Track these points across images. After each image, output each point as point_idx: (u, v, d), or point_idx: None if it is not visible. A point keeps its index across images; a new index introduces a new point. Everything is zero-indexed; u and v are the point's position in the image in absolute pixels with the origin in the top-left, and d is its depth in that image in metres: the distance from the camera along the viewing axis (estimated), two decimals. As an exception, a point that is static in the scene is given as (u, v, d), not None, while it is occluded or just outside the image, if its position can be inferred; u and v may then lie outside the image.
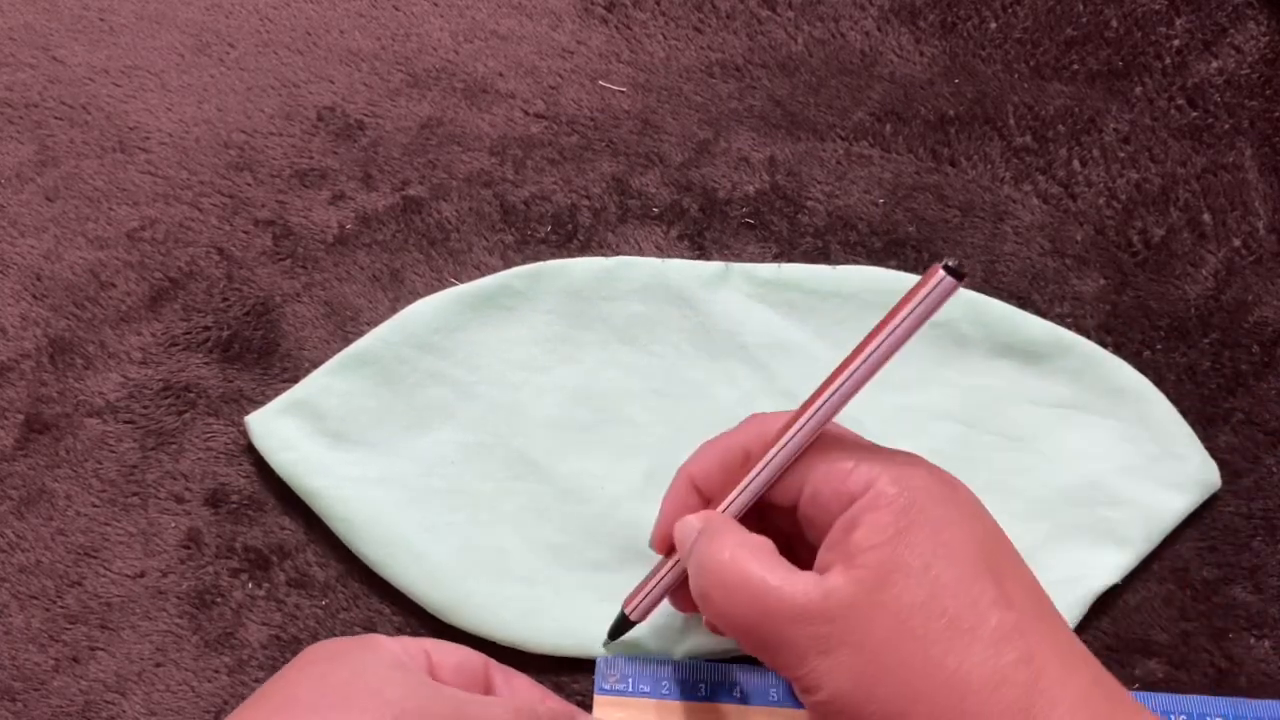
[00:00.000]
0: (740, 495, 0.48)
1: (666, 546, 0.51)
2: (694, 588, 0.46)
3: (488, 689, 0.50)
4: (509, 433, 0.59)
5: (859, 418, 0.59)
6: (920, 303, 0.43)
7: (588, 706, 0.56)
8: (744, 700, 0.55)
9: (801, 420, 0.46)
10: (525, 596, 0.57)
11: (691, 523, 0.48)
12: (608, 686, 0.55)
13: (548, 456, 0.59)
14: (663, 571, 0.52)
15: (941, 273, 0.42)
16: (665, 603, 0.54)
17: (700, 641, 0.56)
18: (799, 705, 0.54)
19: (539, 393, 0.59)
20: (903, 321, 0.43)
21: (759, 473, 0.47)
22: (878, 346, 0.44)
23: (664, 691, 0.55)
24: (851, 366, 0.45)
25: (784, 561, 0.44)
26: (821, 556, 0.44)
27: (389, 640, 0.47)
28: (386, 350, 0.59)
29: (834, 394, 0.45)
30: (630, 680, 0.55)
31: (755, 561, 0.44)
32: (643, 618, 0.53)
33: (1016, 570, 0.43)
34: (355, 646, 0.46)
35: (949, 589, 0.40)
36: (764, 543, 0.45)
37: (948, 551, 0.41)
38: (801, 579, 0.43)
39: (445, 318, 0.60)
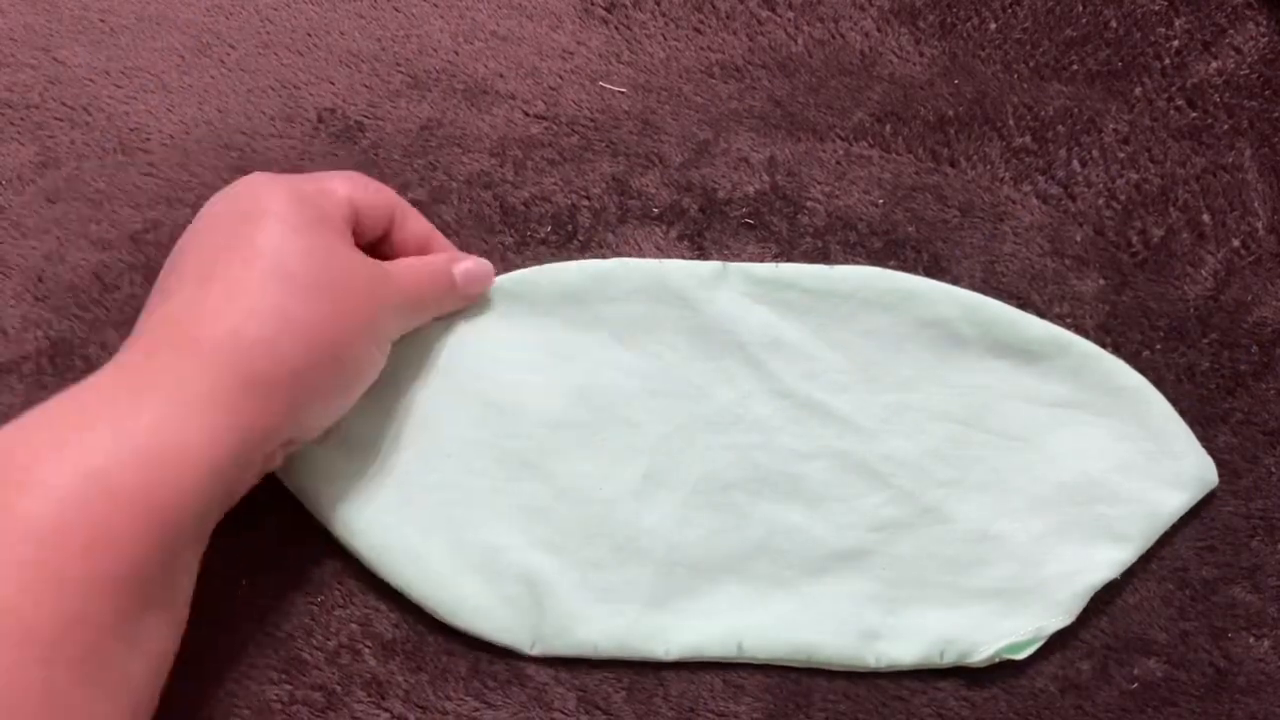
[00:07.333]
0: None
1: None
2: None
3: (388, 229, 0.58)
4: (507, 433, 0.59)
5: (855, 419, 0.59)
6: None
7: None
8: None
9: None
10: (522, 596, 0.57)
11: None
12: None
13: (545, 457, 0.59)
14: None
15: None
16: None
17: (693, 641, 0.57)
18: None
19: (537, 394, 0.59)
20: None
21: None
22: None
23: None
24: None
25: None
26: None
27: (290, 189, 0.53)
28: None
29: None
30: None
31: None
32: None
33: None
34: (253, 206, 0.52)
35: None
36: None
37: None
38: None
39: (443, 320, 0.60)
